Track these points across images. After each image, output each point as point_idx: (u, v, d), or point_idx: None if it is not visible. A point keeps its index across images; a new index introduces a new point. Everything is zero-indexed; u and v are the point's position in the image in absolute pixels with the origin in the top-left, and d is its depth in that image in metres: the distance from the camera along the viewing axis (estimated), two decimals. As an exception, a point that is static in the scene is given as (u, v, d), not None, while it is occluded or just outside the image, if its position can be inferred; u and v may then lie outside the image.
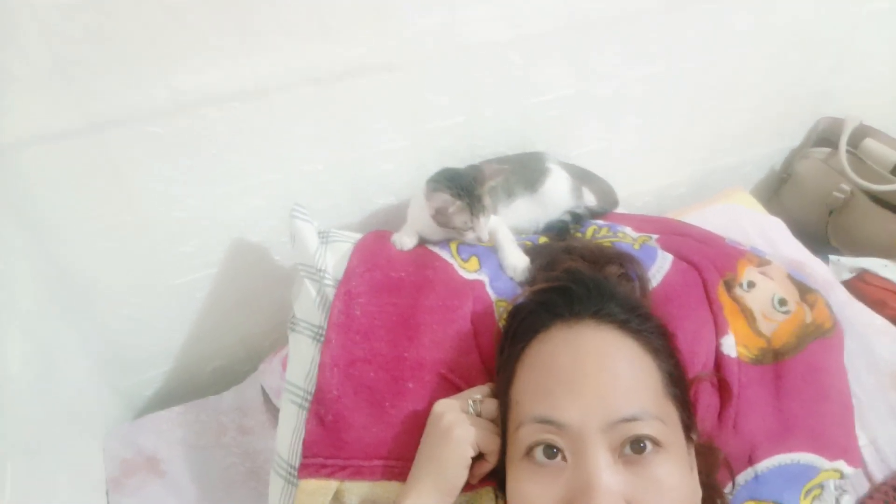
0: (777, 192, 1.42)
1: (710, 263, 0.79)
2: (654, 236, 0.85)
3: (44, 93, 0.68)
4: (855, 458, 0.76)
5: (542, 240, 0.83)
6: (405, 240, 0.81)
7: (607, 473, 0.50)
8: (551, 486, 0.51)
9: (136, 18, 0.67)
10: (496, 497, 0.65)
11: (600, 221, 0.87)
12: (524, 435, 0.54)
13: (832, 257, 1.22)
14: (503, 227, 0.83)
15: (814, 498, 0.74)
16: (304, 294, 0.77)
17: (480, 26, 0.85)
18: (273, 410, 0.87)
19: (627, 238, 0.83)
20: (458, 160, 0.97)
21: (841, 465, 0.74)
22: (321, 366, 0.70)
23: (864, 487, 0.84)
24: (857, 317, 0.98)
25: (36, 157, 0.72)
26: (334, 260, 0.78)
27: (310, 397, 0.70)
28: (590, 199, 0.93)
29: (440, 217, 0.78)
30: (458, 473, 0.58)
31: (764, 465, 0.71)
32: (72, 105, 0.70)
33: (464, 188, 0.77)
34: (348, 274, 0.75)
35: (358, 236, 0.82)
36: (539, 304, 0.63)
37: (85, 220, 0.79)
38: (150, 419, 0.89)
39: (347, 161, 0.90)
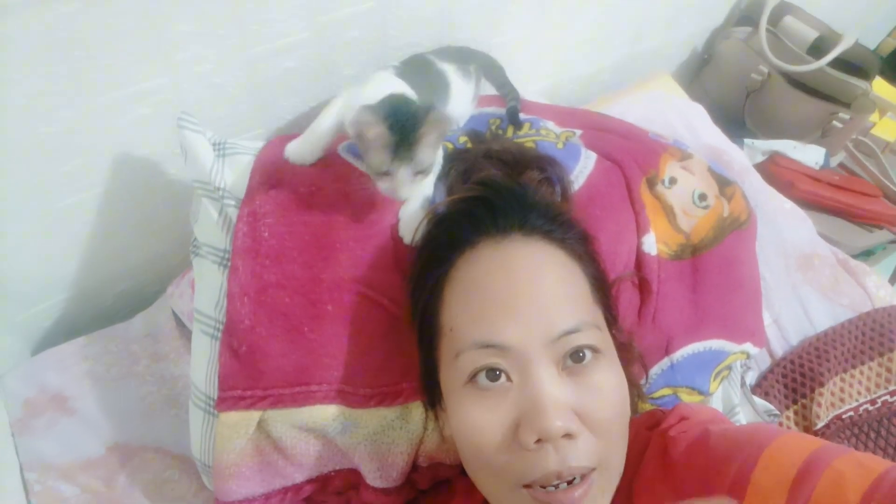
0: (698, 74, 1.40)
1: (632, 161, 0.77)
2: (578, 132, 0.81)
3: None
4: (760, 339, 0.81)
5: (463, 139, 0.78)
6: (304, 151, 0.69)
7: (554, 387, 0.50)
8: (499, 409, 0.51)
9: None
10: (426, 410, 0.65)
11: (523, 115, 0.83)
12: (465, 361, 0.53)
13: (747, 141, 1.25)
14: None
15: (722, 379, 0.78)
16: (204, 215, 0.70)
17: None
18: (187, 335, 0.83)
19: (550, 135, 0.79)
20: (369, 54, 0.88)
21: (748, 346, 0.78)
22: (230, 295, 0.65)
23: (766, 363, 0.91)
24: (768, 202, 1.01)
25: None
26: (234, 176, 0.70)
27: (221, 327, 0.66)
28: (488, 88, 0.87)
29: (359, 144, 0.63)
30: None
31: (679, 354, 0.74)
32: None
33: (401, 122, 0.60)
34: (251, 192, 0.69)
35: (258, 146, 0.74)
36: (462, 216, 0.60)
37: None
38: (52, 354, 0.83)
39: (243, 59, 0.79)
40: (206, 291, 0.69)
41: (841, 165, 1.35)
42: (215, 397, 0.64)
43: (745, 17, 1.30)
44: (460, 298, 0.56)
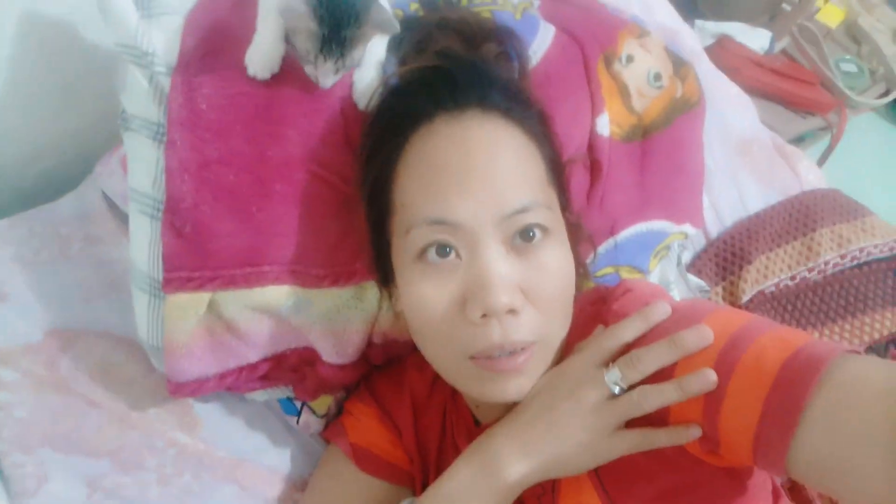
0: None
1: (591, 37, 0.75)
2: (536, 2, 0.77)
3: None
4: (699, 220, 0.84)
5: (414, 6, 0.73)
6: (261, 62, 0.61)
7: (501, 265, 0.51)
8: (447, 284, 0.52)
9: None
10: (380, 290, 0.65)
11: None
12: (415, 237, 0.53)
13: (697, 22, 1.23)
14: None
15: (661, 258, 0.82)
16: (133, 84, 0.63)
17: None
18: (122, 217, 0.78)
19: (508, 5, 0.75)
20: None
21: (687, 227, 0.82)
22: (168, 171, 0.61)
23: (700, 244, 0.96)
24: (716, 87, 1.02)
25: None
26: (164, 39, 0.63)
27: (161, 206, 0.62)
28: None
29: (285, 15, 0.58)
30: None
31: (622, 234, 0.77)
32: None
33: (334, 16, 0.56)
34: (183, 58, 0.62)
35: (189, 4, 0.67)
36: (420, 88, 0.57)
37: None
38: (-31, 238, 0.77)
39: None
40: (140, 168, 0.64)
41: (784, 52, 1.36)
42: (160, 279, 0.61)
43: None
44: (413, 174, 0.54)
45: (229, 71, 0.62)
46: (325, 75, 0.59)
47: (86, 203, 0.81)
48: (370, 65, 0.64)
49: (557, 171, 0.60)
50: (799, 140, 1.27)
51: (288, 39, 0.63)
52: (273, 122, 0.62)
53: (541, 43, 0.72)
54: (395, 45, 0.67)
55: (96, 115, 0.85)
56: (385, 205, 0.57)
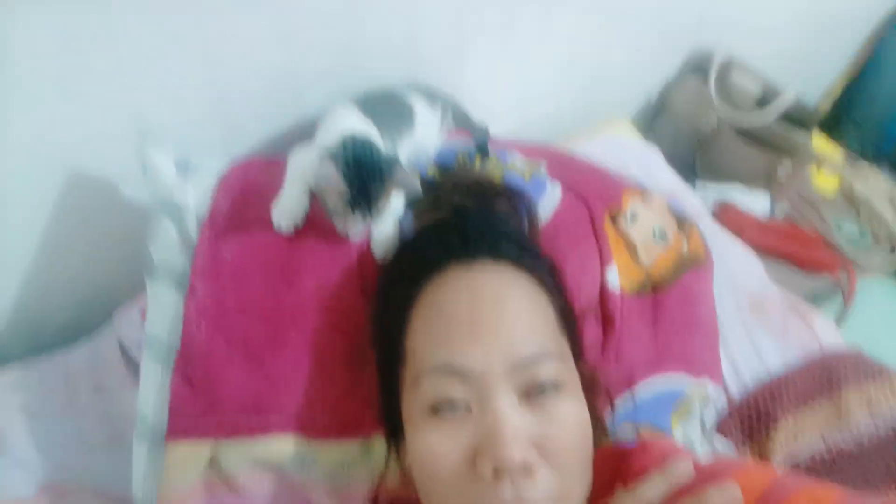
0: (652, 122, 1.47)
1: (596, 196, 0.79)
2: (543, 164, 0.83)
3: None
4: (718, 374, 0.82)
5: (432, 171, 0.78)
6: (286, 216, 0.66)
7: (513, 415, 0.48)
8: (457, 436, 0.49)
9: None
10: (387, 445, 0.62)
11: (490, 148, 0.84)
12: (425, 387, 0.51)
13: (699, 183, 1.30)
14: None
15: (682, 418, 0.79)
16: (163, 234, 0.67)
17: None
18: (134, 367, 0.78)
19: (517, 168, 0.80)
20: (338, 80, 0.88)
21: (706, 381, 0.80)
22: (186, 318, 0.62)
23: (721, 402, 0.92)
24: (721, 246, 1.04)
25: None
26: (197, 195, 0.68)
27: (174, 354, 0.62)
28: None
29: (318, 183, 0.64)
30: None
31: (640, 389, 0.74)
32: None
33: (361, 178, 0.61)
34: (214, 211, 0.66)
35: (223, 166, 0.73)
36: (433, 239, 0.59)
37: None
38: (-19, 383, 0.77)
39: (210, 80, 0.78)
40: (159, 315, 0.65)
41: (786, 217, 1.41)
42: (164, 429, 0.60)
43: (696, 70, 1.37)
44: (425, 321, 0.55)
45: (255, 224, 0.66)
46: (354, 228, 0.64)
47: (99, 352, 0.82)
48: (388, 219, 0.67)
49: (569, 321, 0.60)
50: (811, 300, 1.27)
51: (314, 196, 0.68)
52: (291, 272, 0.64)
53: (549, 201, 0.76)
54: (412, 203, 0.71)
55: (121, 270, 0.88)
56: (396, 353, 0.57)
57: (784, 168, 1.27)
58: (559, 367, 0.53)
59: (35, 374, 0.78)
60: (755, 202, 1.30)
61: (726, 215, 1.25)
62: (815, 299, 1.28)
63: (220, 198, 0.68)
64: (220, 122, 0.84)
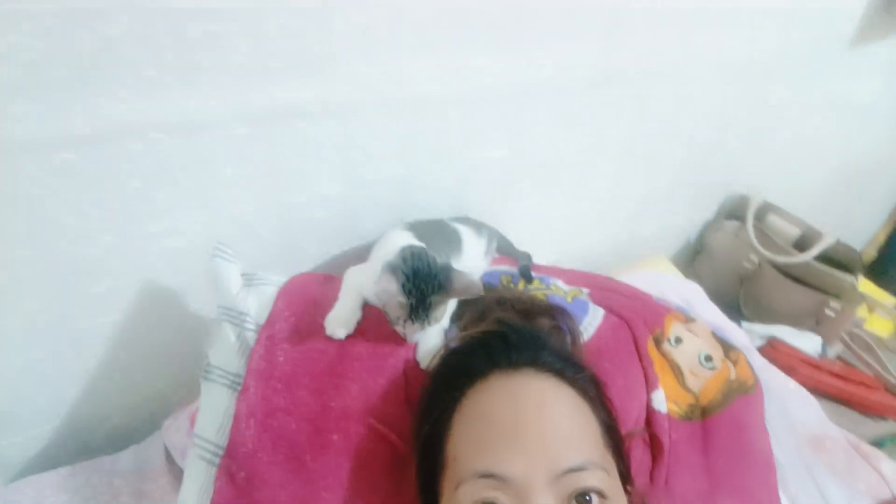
0: (692, 262, 1.49)
1: (639, 318, 0.80)
2: (586, 290, 0.86)
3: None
4: (779, 517, 0.76)
5: (477, 291, 0.82)
6: (338, 324, 0.70)
7: None
8: None
9: (69, 45, 0.64)
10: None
11: (533, 273, 0.88)
12: (465, 493, 0.51)
13: (744, 324, 1.29)
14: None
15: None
16: (222, 339, 0.71)
17: (420, 81, 0.87)
18: (176, 472, 0.79)
19: (560, 291, 0.83)
20: (394, 212, 0.96)
21: (766, 525, 0.74)
22: (236, 416, 0.64)
23: (787, 549, 0.84)
24: (772, 380, 1.02)
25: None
26: (258, 304, 0.73)
27: (221, 452, 0.63)
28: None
29: (381, 296, 0.68)
30: None
31: (694, 525, 0.70)
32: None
33: (418, 286, 0.66)
34: (272, 318, 0.71)
35: (284, 279, 0.78)
36: (477, 348, 0.61)
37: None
38: (30, 482, 0.78)
39: (278, 205, 0.87)
40: (209, 415, 0.67)
41: (839, 358, 1.37)
42: (202, 529, 0.59)
43: (733, 214, 1.42)
44: (466, 428, 0.55)
45: (309, 330, 0.70)
46: (413, 334, 0.68)
47: (145, 458, 0.83)
48: (434, 330, 0.70)
49: (615, 437, 0.60)
50: (876, 445, 1.19)
51: (366, 307, 0.72)
52: (339, 376, 0.67)
53: (591, 321, 0.78)
54: (457, 315, 0.74)
55: (174, 380, 0.93)
56: (437, 460, 0.57)
57: (832, 309, 1.26)
58: (604, 479, 0.52)
59: (81, 477, 0.79)
60: (805, 342, 1.27)
61: (777, 353, 1.22)
62: (881, 446, 1.20)
63: (279, 305, 0.72)
64: (284, 244, 0.91)
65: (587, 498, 0.50)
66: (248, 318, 0.71)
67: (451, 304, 0.73)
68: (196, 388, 0.72)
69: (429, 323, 0.67)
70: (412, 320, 0.66)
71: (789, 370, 1.18)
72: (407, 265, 0.67)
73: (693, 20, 1.06)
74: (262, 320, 0.71)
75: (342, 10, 0.76)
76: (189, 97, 0.73)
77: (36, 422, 0.87)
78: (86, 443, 0.90)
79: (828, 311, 1.26)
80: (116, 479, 0.79)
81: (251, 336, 0.70)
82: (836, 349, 1.35)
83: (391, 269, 0.66)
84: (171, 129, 0.74)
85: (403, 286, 0.65)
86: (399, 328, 0.68)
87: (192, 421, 0.73)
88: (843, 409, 1.17)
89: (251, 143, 0.80)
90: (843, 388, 1.19)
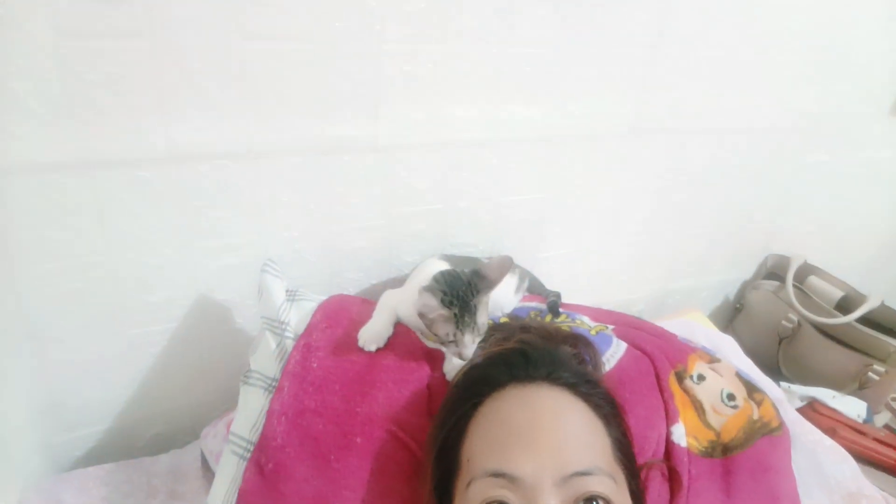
0: (731, 322, 1.48)
1: (662, 354, 0.81)
2: (611, 326, 0.88)
3: (47, 125, 0.72)
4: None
5: (504, 320, 0.86)
6: (369, 340, 0.74)
7: None
8: None
9: (153, 75, 0.74)
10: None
11: (561, 309, 0.91)
12: (476, 491, 0.53)
13: (783, 384, 1.26)
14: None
15: None
16: (264, 346, 0.77)
17: (464, 125, 0.94)
18: (210, 476, 0.83)
19: (585, 325, 0.86)
20: (430, 246, 1.01)
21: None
22: (269, 413, 0.68)
23: None
24: (806, 435, 0.99)
25: (24, 186, 0.74)
26: (298, 316, 0.79)
27: (252, 447, 0.68)
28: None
29: (424, 320, 0.72)
30: None
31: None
32: (70, 141, 0.74)
33: (457, 296, 0.70)
34: (310, 328, 0.76)
35: (324, 298, 0.84)
36: (497, 361, 0.64)
37: (58, 256, 0.80)
38: (77, 475, 0.83)
39: (324, 232, 0.94)
40: (246, 415, 0.72)
41: (886, 426, 1.31)
42: (228, 519, 0.63)
43: (772, 274, 1.42)
44: (481, 431, 0.58)
45: (343, 341, 0.75)
46: (467, 346, 0.70)
47: (183, 462, 0.87)
48: None
49: (627, 455, 0.61)
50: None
51: (397, 325, 0.77)
52: (367, 384, 0.71)
53: (614, 353, 0.80)
54: (483, 341, 0.78)
55: (216, 390, 0.98)
56: (452, 463, 0.59)
57: (876, 372, 1.22)
58: (611, 487, 0.53)
59: (122, 474, 0.84)
60: (849, 406, 1.23)
61: (817, 413, 1.19)
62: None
63: (317, 317, 0.78)
64: (326, 269, 0.97)
65: (594, 503, 0.51)
66: (288, 328, 0.77)
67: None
68: (236, 401, 0.78)
69: (478, 329, 0.70)
70: (461, 331, 0.70)
71: (830, 433, 1.15)
72: (441, 283, 0.72)
73: (727, 80, 1.11)
74: (301, 330, 0.76)
75: (393, 58, 0.85)
76: (254, 127, 0.82)
77: (87, 421, 0.93)
78: (130, 446, 0.96)
79: (871, 375, 1.22)
80: (154, 478, 0.84)
81: (290, 344, 0.75)
82: (883, 417, 1.30)
83: (429, 289, 0.71)
84: (235, 156, 0.82)
85: (443, 300, 0.70)
86: (451, 348, 0.71)
87: (229, 427, 0.77)
88: (885, 476, 1.12)
89: (304, 173, 0.88)
90: (888, 454, 1.14)
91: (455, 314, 0.70)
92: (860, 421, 1.22)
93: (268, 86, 0.80)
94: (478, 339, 0.72)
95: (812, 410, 1.21)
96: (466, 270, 0.73)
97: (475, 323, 0.71)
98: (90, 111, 0.73)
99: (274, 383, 0.73)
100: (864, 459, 1.13)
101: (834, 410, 1.21)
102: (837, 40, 1.17)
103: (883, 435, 1.19)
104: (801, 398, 1.24)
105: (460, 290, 0.71)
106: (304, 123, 0.84)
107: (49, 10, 0.66)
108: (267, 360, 0.75)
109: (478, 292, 0.71)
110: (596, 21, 0.94)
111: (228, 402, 0.86)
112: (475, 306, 0.71)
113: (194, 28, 0.73)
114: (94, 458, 0.93)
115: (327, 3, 0.77)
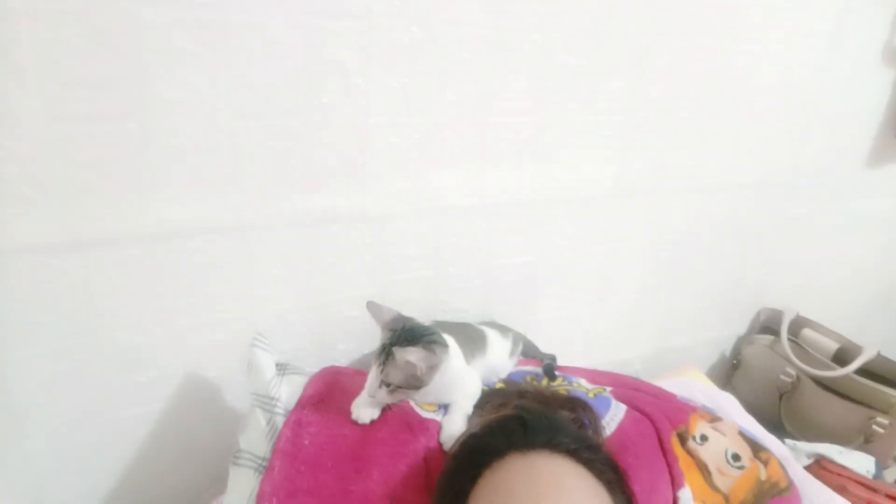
0: (730, 379, 1.46)
1: (662, 414, 0.80)
2: (608, 388, 0.86)
3: (35, 207, 0.72)
4: None
5: (499, 385, 0.84)
6: (364, 410, 0.74)
7: None
8: None
9: (143, 155, 0.75)
10: None
11: (557, 373, 0.89)
12: None
13: (788, 441, 1.23)
14: (463, 395, 0.78)
15: None
16: (253, 424, 0.75)
17: (449, 192, 0.96)
18: (200, 564, 0.78)
19: (582, 388, 0.84)
20: (422, 312, 1.00)
21: None
22: (259, 496, 0.66)
23: None
24: (817, 494, 0.96)
25: (11, 268, 0.74)
26: (289, 391, 0.77)
27: (243, 532, 0.65)
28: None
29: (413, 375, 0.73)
30: None
31: None
32: (59, 222, 0.74)
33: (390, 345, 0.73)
34: (301, 403, 0.74)
35: (315, 371, 0.82)
36: (495, 429, 0.63)
37: (44, 339, 0.79)
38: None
39: (315, 303, 0.93)
40: (235, 499, 0.69)
41: (897, 482, 1.28)
42: None
43: (766, 328, 1.41)
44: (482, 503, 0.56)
45: (335, 415, 0.73)
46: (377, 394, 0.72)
47: (170, 551, 0.83)
48: (458, 416, 0.73)
49: (633, 524, 0.59)
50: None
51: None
52: (361, 460, 0.68)
53: (614, 416, 0.78)
54: (479, 407, 0.76)
55: (205, 472, 0.95)
56: None
57: (879, 425, 1.20)
58: None
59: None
60: (857, 462, 1.20)
61: (825, 471, 1.16)
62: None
63: (309, 391, 0.76)
64: (318, 340, 0.96)
65: None
66: (278, 404, 0.75)
67: (464, 403, 0.77)
68: (226, 484, 0.75)
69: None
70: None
71: (841, 490, 1.11)
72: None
73: (704, 140, 1.15)
74: (292, 405, 0.75)
75: (379, 130, 0.87)
76: (242, 201, 0.82)
77: (70, 512, 0.89)
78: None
79: (876, 428, 1.20)
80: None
81: (280, 420, 0.73)
82: (893, 472, 1.27)
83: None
84: (224, 230, 0.83)
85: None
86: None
87: (219, 511, 0.74)
88: (903, 534, 1.08)
89: (293, 244, 0.88)
90: (902, 512, 1.10)
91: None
92: (870, 477, 1.19)
93: (256, 161, 0.81)
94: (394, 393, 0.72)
95: (820, 468, 1.18)
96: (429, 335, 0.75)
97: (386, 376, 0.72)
98: (79, 192, 0.74)
99: (264, 463, 0.70)
100: (879, 518, 1.10)
101: (843, 467, 1.18)
102: (809, 97, 1.21)
103: (895, 490, 1.16)
104: (808, 455, 1.21)
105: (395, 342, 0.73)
106: (293, 195, 0.85)
107: (42, 96, 0.68)
108: (257, 439, 0.73)
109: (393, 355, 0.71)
110: (573, 90, 0.98)
111: (219, 484, 0.82)
112: (388, 360, 0.72)
113: (185, 109, 0.75)
114: (76, 551, 0.89)
115: (314, 81, 0.80)
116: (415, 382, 0.72)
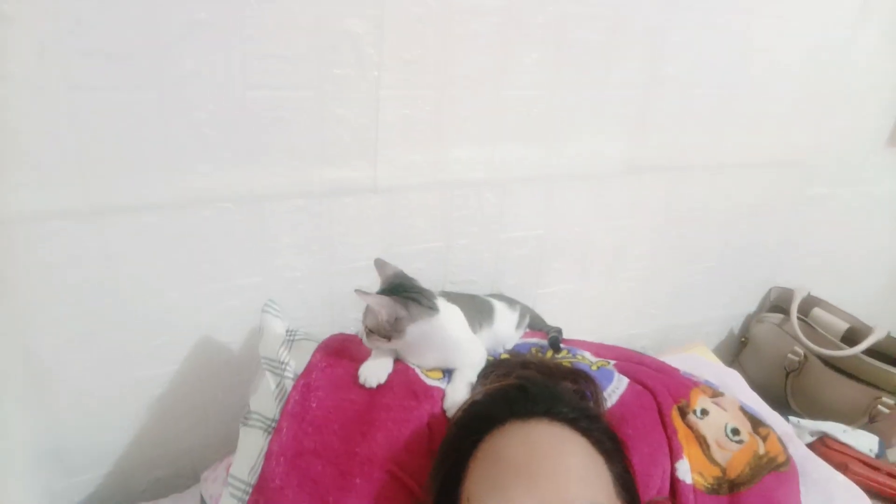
0: (737, 356, 1.47)
1: (664, 388, 0.81)
2: (612, 362, 0.88)
3: (55, 175, 0.74)
4: None
5: (504, 356, 0.86)
6: (371, 374, 0.75)
7: None
8: None
9: (159, 125, 0.76)
10: None
11: (562, 345, 0.91)
12: None
13: (792, 419, 1.24)
14: (467, 364, 0.80)
15: None
16: (263, 387, 0.77)
17: (462, 166, 0.96)
18: (209, 522, 0.82)
19: (586, 361, 0.86)
20: (432, 284, 1.02)
21: None
22: (267, 454, 0.68)
23: None
24: (817, 470, 0.97)
25: (32, 234, 0.76)
26: (299, 355, 0.79)
27: (250, 489, 0.67)
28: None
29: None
30: None
31: None
32: (79, 189, 0.76)
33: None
34: (310, 368, 0.76)
35: (324, 338, 0.85)
36: (497, 397, 0.65)
37: (65, 302, 0.81)
38: (76, 520, 0.83)
39: (326, 273, 0.95)
40: (244, 457, 0.72)
41: (901, 462, 1.28)
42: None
43: (776, 307, 1.41)
44: (481, 469, 0.57)
45: (343, 379, 0.75)
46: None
47: (181, 505, 0.87)
48: (462, 384, 0.75)
49: (630, 492, 0.60)
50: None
51: (397, 362, 0.78)
52: (366, 424, 0.70)
53: (615, 388, 0.80)
54: (483, 376, 0.78)
55: (216, 433, 0.99)
56: (451, 501, 0.59)
57: (885, 405, 1.20)
58: None
59: (122, 520, 0.83)
60: (861, 441, 1.21)
61: (828, 448, 1.17)
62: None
63: (317, 356, 0.78)
64: (328, 309, 0.98)
65: None
66: (288, 368, 0.77)
67: (468, 372, 0.79)
68: (237, 443, 0.78)
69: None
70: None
71: (842, 468, 1.12)
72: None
73: (721, 118, 1.13)
74: (301, 369, 0.77)
75: (391, 102, 0.87)
76: (256, 172, 0.84)
77: (88, 466, 0.93)
78: (130, 491, 0.95)
79: (881, 408, 1.20)
80: (153, 523, 0.83)
81: (290, 384, 0.75)
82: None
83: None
84: (238, 199, 0.84)
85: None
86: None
87: (229, 470, 0.77)
88: (902, 512, 1.09)
89: (306, 215, 0.90)
90: (902, 491, 1.11)
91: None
92: (872, 455, 1.19)
93: (270, 132, 0.82)
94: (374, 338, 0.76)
95: (823, 445, 1.19)
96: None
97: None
98: (97, 160, 0.75)
99: (273, 424, 0.73)
100: (878, 495, 1.11)
101: (845, 445, 1.19)
102: (831, 75, 1.19)
103: (897, 470, 1.17)
104: (812, 433, 1.22)
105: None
106: (306, 167, 0.87)
107: (63, 66, 0.70)
108: (266, 401, 0.76)
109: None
110: (588, 65, 0.97)
111: (230, 445, 0.85)
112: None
113: (200, 80, 0.76)
114: (94, 503, 0.93)
115: (326, 53, 0.81)
116: (382, 330, 0.75)
